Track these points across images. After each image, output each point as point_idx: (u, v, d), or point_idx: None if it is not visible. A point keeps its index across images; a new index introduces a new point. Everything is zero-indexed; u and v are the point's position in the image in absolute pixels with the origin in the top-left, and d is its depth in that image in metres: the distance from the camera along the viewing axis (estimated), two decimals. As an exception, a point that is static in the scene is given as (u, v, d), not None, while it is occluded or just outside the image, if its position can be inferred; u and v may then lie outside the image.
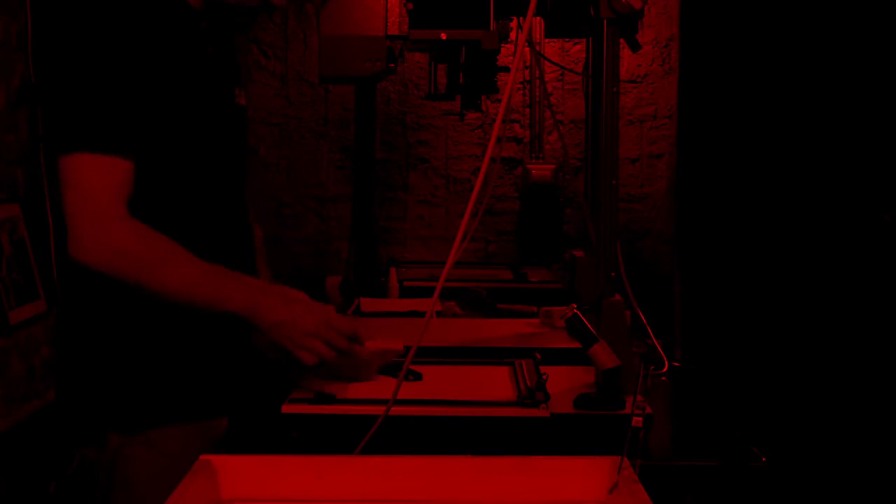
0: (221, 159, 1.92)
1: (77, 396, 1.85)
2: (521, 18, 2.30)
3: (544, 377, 1.86)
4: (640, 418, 1.48)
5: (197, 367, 1.85)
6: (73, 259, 1.70)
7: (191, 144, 1.84)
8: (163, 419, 1.81)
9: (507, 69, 2.34)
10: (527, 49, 3.03)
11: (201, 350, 1.86)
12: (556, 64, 4.14)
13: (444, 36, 2.15)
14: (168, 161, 1.81)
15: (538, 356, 2.04)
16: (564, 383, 1.98)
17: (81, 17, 1.75)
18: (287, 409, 1.81)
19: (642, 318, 2.17)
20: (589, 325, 1.91)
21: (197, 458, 1.71)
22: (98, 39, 1.73)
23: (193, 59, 1.86)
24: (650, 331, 2.18)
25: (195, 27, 1.88)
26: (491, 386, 1.98)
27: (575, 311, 1.91)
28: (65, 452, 2.76)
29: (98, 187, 1.68)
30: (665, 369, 2.18)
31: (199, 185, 1.87)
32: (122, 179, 1.70)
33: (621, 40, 2.09)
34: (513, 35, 2.47)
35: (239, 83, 1.99)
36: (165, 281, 1.71)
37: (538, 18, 2.88)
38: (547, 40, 4.23)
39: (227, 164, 1.94)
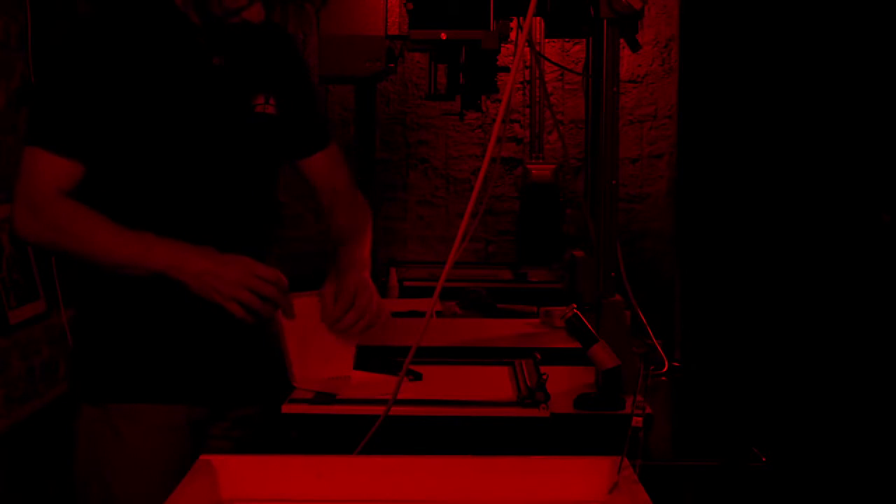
0: (224, 167, 1.92)
1: (70, 374, 2.01)
2: (521, 18, 2.30)
3: (544, 377, 1.86)
4: (640, 418, 1.48)
5: (158, 352, 1.90)
6: (15, 236, 1.89)
7: (179, 153, 1.87)
8: (123, 396, 1.88)
9: (507, 69, 2.34)
10: (527, 49, 3.03)
11: (165, 337, 1.90)
12: (556, 64, 4.14)
13: (444, 36, 2.15)
14: (152, 169, 1.88)
15: (538, 356, 2.04)
16: (564, 383, 1.98)
17: (66, 32, 1.91)
18: (287, 409, 1.82)
19: (642, 318, 2.17)
20: (589, 325, 1.91)
21: (158, 440, 1.80)
22: (72, 51, 1.86)
23: (188, 72, 1.88)
24: (650, 331, 2.19)
25: (194, 42, 1.89)
26: (491, 386, 1.98)
27: (575, 311, 1.91)
28: (66, 450, 2.75)
29: (36, 177, 1.84)
30: (665, 369, 2.19)
31: (195, 192, 1.90)
32: (61, 175, 1.84)
33: (621, 40, 2.09)
34: (513, 35, 2.47)
35: (266, 91, 1.98)
36: (88, 247, 1.83)
37: (538, 18, 2.88)
38: (547, 40, 4.23)
39: (232, 171, 1.94)
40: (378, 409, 1.62)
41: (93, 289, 1.92)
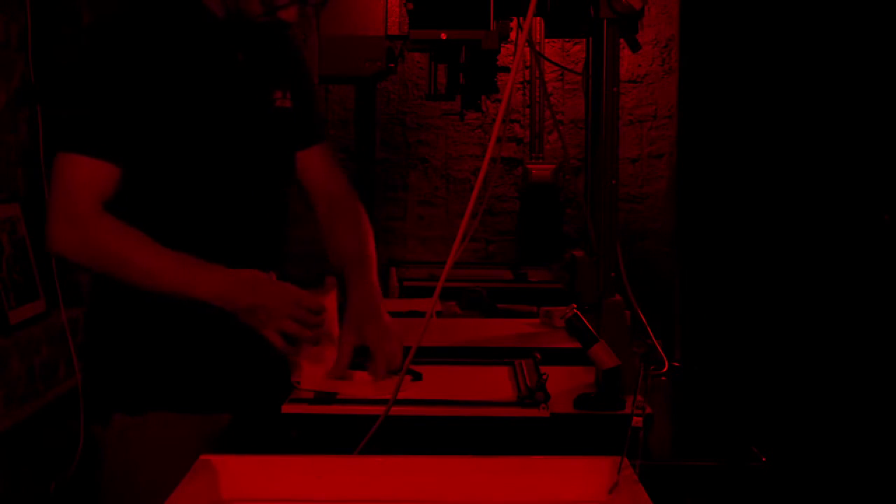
0: (251, 161, 1.93)
1: (92, 378, 1.94)
2: (521, 18, 2.30)
3: (544, 377, 1.85)
4: (640, 418, 1.48)
5: (203, 361, 1.89)
6: (49, 251, 1.79)
7: (211, 148, 1.87)
8: (160, 405, 1.86)
9: (507, 69, 2.34)
10: (527, 49, 3.03)
11: (209, 346, 1.89)
12: (556, 64, 4.14)
13: (444, 36, 2.15)
14: (184, 165, 1.86)
15: (538, 356, 2.04)
16: (564, 383, 1.98)
17: (92, 31, 1.87)
18: (287, 409, 1.81)
19: (642, 318, 2.17)
20: (589, 325, 1.91)
21: (193, 449, 1.74)
22: (102, 51, 1.81)
23: (216, 67, 1.88)
24: (650, 331, 2.18)
25: (218, 37, 1.89)
26: (491, 386, 1.97)
27: (575, 311, 1.91)
28: (66, 450, 2.76)
29: (75, 185, 1.77)
30: (665, 369, 2.18)
31: (225, 187, 1.90)
32: (101, 181, 1.78)
33: (621, 40, 2.09)
34: (513, 35, 2.47)
35: (283, 86, 1.99)
36: (131, 271, 1.78)
37: (538, 18, 2.88)
38: (547, 40, 4.23)
39: (259, 165, 1.95)
40: (378, 409, 1.62)
41: (129, 299, 1.86)
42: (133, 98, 1.79)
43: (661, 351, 2.19)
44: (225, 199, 1.90)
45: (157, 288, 1.78)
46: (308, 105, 2.10)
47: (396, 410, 1.65)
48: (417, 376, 1.99)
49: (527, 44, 2.37)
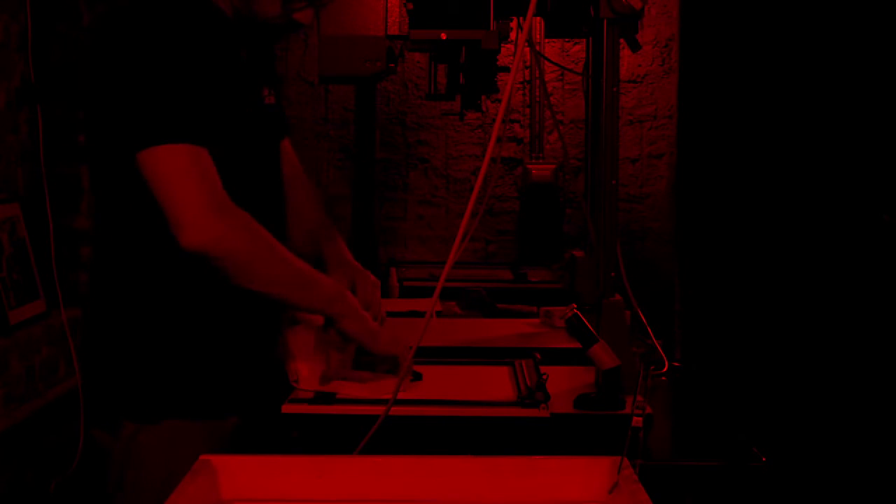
0: (250, 157, 1.94)
1: (98, 384, 1.92)
2: (521, 18, 2.30)
3: (544, 377, 1.86)
4: (640, 418, 1.48)
5: (213, 367, 1.87)
6: (183, 248, 1.71)
7: (226, 143, 1.87)
8: (175, 412, 1.84)
9: (507, 69, 2.34)
10: (527, 49, 3.03)
11: (218, 352, 1.88)
12: (556, 64, 4.14)
13: (444, 36, 2.15)
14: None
15: (538, 356, 2.04)
16: (564, 383, 1.98)
17: (140, 27, 1.81)
18: (287, 409, 1.82)
19: (642, 318, 2.17)
20: (589, 325, 1.91)
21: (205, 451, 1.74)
22: (157, 45, 1.77)
23: (228, 63, 1.88)
24: (650, 331, 2.18)
25: (230, 35, 1.90)
26: (491, 386, 1.98)
27: (575, 311, 1.91)
28: (66, 450, 2.75)
29: (197, 174, 1.71)
30: (665, 369, 2.18)
31: (228, 185, 1.90)
32: (211, 166, 1.74)
33: (621, 40, 2.09)
34: (513, 35, 2.47)
35: (269, 84, 2.00)
36: (259, 276, 1.77)
37: (538, 18, 2.88)
38: (547, 40, 4.23)
39: (254, 161, 1.95)
40: (378, 409, 1.62)
41: (130, 300, 1.85)
42: (192, 87, 1.75)
43: (661, 351, 2.19)
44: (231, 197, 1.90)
45: (276, 297, 1.81)
46: (281, 100, 2.12)
47: (396, 410, 1.65)
48: (417, 376, 1.99)
49: (527, 44, 2.37)
